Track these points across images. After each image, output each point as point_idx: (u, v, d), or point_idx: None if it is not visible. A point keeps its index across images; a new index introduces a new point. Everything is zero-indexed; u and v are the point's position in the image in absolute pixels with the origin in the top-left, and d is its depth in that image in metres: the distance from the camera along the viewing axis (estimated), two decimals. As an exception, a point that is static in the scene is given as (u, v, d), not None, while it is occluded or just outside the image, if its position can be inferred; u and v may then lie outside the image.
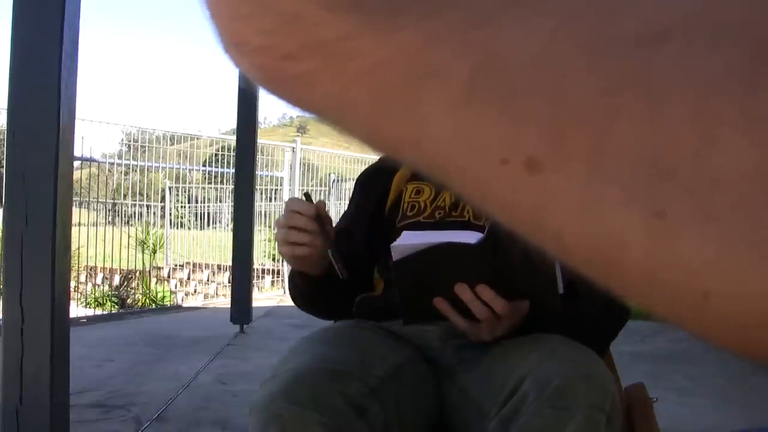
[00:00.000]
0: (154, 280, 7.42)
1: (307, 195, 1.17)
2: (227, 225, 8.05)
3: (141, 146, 6.82)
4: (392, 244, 1.05)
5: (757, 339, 0.16)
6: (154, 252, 7.62)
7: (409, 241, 1.05)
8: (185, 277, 8.07)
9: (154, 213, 7.90)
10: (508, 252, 1.02)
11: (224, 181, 8.02)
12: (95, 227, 6.69)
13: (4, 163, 1.94)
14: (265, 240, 7.98)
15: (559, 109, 0.17)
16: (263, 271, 7.51)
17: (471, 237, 1.04)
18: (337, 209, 8.09)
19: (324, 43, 0.19)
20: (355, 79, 0.19)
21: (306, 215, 1.12)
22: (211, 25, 0.21)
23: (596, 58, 0.17)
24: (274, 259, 7.82)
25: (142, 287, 7.00)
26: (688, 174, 0.16)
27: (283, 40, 0.19)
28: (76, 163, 5.15)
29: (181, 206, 8.38)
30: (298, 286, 1.25)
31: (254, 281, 5.75)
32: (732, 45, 0.16)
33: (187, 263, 8.14)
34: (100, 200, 7.14)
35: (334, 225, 1.20)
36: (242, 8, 0.20)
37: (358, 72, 0.19)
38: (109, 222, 7.20)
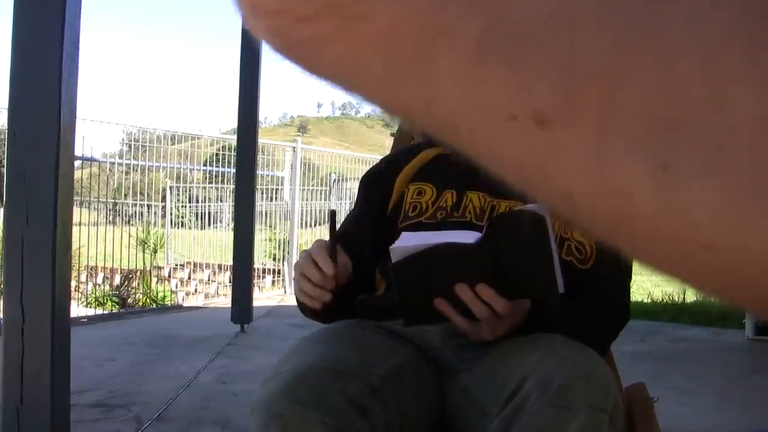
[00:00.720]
0: (154, 279, 7.42)
1: (333, 215, 1.17)
2: (228, 225, 8.04)
3: (142, 146, 6.82)
4: (391, 246, 1.05)
5: (759, 292, 0.17)
6: (155, 252, 7.62)
7: (407, 242, 1.05)
8: (186, 277, 8.07)
9: (155, 213, 7.90)
10: (507, 251, 1.02)
11: (225, 180, 8.02)
12: (96, 227, 6.69)
13: (4, 162, 1.94)
14: (265, 240, 7.98)
15: (569, 66, 0.17)
16: (264, 270, 7.51)
17: (470, 237, 1.04)
18: (337, 209, 8.09)
19: (338, 6, 0.19)
20: (368, 41, 0.19)
21: (321, 270, 1.13)
22: None
23: (606, 16, 0.17)
24: (274, 259, 7.83)
25: (143, 287, 7.00)
26: (695, 127, 0.16)
27: (298, 3, 0.20)
28: (77, 163, 5.15)
29: (182, 206, 8.38)
30: (307, 303, 1.25)
31: (255, 281, 5.75)
32: (739, 1, 0.16)
33: (188, 263, 8.14)
34: (100, 200, 7.14)
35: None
36: None
37: (371, 34, 0.19)
38: (109, 222, 7.20)
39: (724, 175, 0.16)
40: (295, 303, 1.32)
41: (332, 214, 1.18)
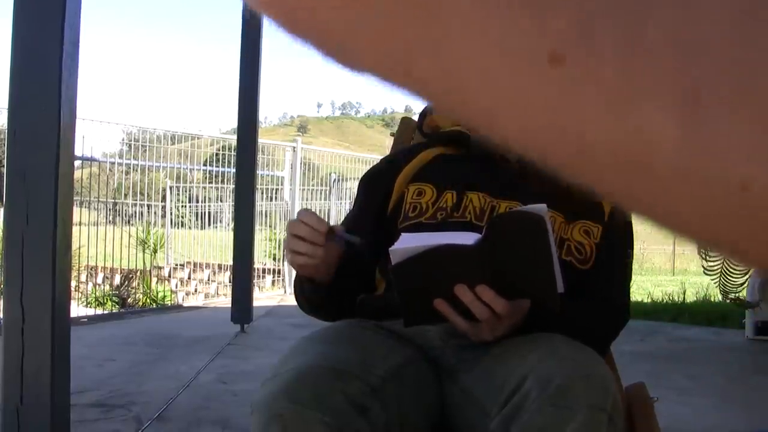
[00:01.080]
0: (154, 279, 7.42)
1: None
2: (228, 224, 8.04)
3: (142, 146, 6.81)
4: (390, 248, 1.04)
5: None
6: (155, 251, 7.62)
7: (407, 244, 1.05)
8: (186, 277, 8.07)
9: (155, 212, 7.90)
10: (507, 252, 1.02)
11: (225, 180, 8.02)
12: (96, 227, 6.69)
13: (5, 162, 1.94)
14: (265, 239, 7.98)
15: (584, 2, 0.16)
16: (264, 270, 7.51)
17: (469, 238, 1.03)
18: (337, 209, 8.09)
19: None
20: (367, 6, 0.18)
21: (310, 225, 1.13)
22: None
23: None
24: (274, 259, 7.83)
25: (143, 287, 6.99)
26: (723, 56, 0.15)
27: None
28: (77, 163, 5.15)
29: (182, 206, 8.38)
30: (305, 292, 1.25)
31: (255, 281, 5.75)
32: None
33: (188, 263, 8.14)
34: (100, 200, 7.14)
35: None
36: None
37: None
38: (109, 221, 7.19)
39: (757, 104, 0.15)
40: (295, 303, 1.32)
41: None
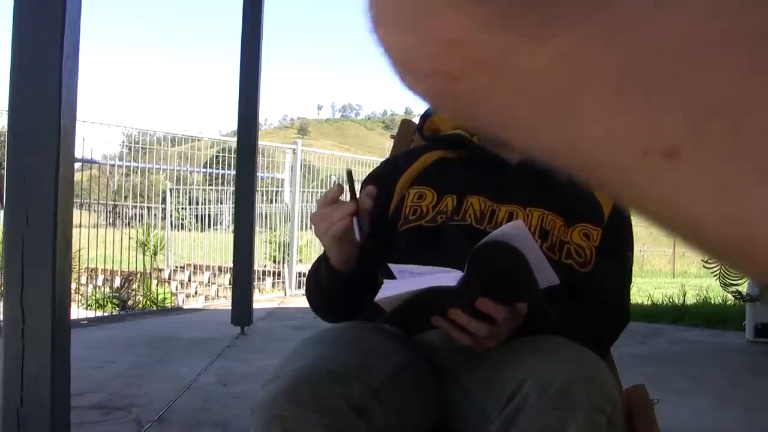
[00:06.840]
0: (155, 281, 7.42)
1: (350, 175, 1.20)
2: (228, 227, 8.04)
3: (142, 148, 6.82)
4: (376, 299, 1.06)
5: None
6: (155, 254, 7.63)
7: (391, 292, 1.07)
8: (186, 279, 8.07)
9: (155, 215, 7.90)
10: (490, 284, 1.02)
11: (225, 182, 8.02)
12: (96, 229, 6.69)
13: (5, 164, 1.94)
14: (265, 242, 7.98)
15: (698, 99, 0.18)
16: (264, 272, 7.50)
17: (451, 279, 1.03)
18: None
19: (484, 62, 0.20)
20: (516, 91, 0.20)
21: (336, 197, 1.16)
22: (385, 58, 0.23)
23: (732, 46, 0.18)
24: (275, 261, 7.83)
25: (143, 289, 7.00)
26: None
27: (450, 63, 0.21)
28: (77, 165, 5.14)
29: (182, 208, 8.38)
30: (322, 278, 1.24)
31: (255, 283, 5.75)
32: None
33: (188, 265, 8.14)
34: (100, 202, 7.14)
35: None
36: (410, 41, 0.22)
37: (518, 84, 0.20)
38: (109, 223, 7.20)
39: None
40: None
41: (349, 174, 1.20)
